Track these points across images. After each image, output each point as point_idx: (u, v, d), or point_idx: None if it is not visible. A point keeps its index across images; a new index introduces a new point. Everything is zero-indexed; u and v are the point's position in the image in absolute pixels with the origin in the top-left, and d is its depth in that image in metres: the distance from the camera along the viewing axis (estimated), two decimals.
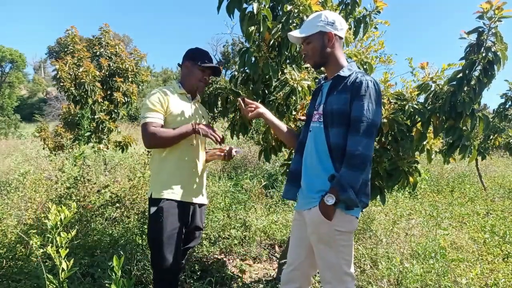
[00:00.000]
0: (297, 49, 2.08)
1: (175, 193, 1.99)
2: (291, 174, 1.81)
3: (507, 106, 4.26)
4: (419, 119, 1.96)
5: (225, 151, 2.21)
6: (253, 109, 1.87)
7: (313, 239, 1.62)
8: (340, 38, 1.68)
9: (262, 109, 1.89)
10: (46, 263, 2.36)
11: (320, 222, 1.55)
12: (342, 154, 1.56)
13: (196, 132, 1.98)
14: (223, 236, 3.54)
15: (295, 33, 1.70)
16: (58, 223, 1.55)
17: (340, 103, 1.58)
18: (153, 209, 1.97)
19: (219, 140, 2.07)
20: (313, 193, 1.62)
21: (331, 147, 1.59)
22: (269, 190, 5.30)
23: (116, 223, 3.45)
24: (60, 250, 1.52)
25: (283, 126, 1.92)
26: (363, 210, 1.72)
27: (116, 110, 5.37)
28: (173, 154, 2.02)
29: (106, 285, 2.26)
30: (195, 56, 2.12)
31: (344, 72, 1.62)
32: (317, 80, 2.05)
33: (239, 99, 1.93)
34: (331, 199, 1.50)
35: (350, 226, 1.59)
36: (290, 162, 2.57)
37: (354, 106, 1.53)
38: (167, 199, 1.97)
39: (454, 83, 1.90)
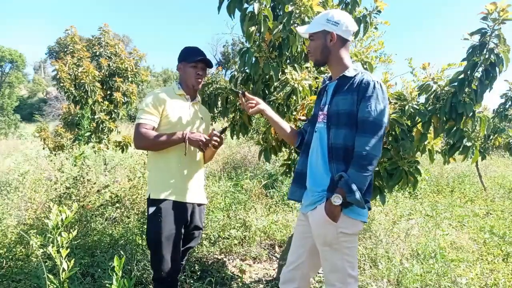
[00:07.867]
0: (298, 49, 2.08)
1: (172, 193, 1.99)
2: (297, 175, 1.79)
3: (507, 106, 4.26)
4: (419, 119, 1.96)
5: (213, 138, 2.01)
6: (253, 105, 1.85)
7: (318, 241, 1.61)
8: (345, 39, 1.66)
9: (263, 105, 1.86)
10: (46, 263, 2.36)
11: (324, 223, 1.55)
12: (342, 155, 1.56)
13: (185, 141, 1.95)
14: (223, 236, 3.54)
15: (300, 29, 1.74)
16: (59, 223, 1.54)
17: (347, 104, 1.58)
18: (151, 210, 1.98)
19: (216, 144, 2.02)
20: (317, 194, 1.62)
21: (330, 147, 1.60)
22: (269, 190, 5.29)
23: (116, 223, 3.45)
24: (61, 250, 1.52)
25: (283, 123, 1.91)
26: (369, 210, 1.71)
27: (116, 110, 5.36)
28: (170, 153, 2.01)
29: (107, 285, 2.26)
30: (184, 56, 2.14)
31: (349, 72, 1.63)
32: (320, 80, 2.05)
33: (240, 93, 1.90)
34: (338, 200, 1.49)
35: (355, 228, 1.58)
36: (290, 162, 2.58)
37: (362, 106, 1.54)
38: (165, 200, 1.97)
39: (455, 84, 1.90)
